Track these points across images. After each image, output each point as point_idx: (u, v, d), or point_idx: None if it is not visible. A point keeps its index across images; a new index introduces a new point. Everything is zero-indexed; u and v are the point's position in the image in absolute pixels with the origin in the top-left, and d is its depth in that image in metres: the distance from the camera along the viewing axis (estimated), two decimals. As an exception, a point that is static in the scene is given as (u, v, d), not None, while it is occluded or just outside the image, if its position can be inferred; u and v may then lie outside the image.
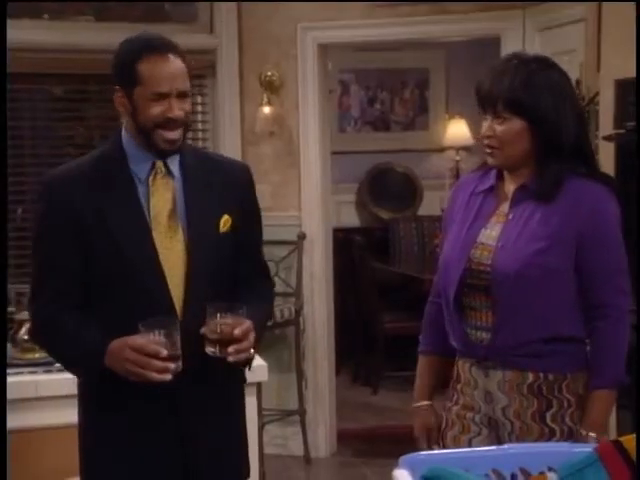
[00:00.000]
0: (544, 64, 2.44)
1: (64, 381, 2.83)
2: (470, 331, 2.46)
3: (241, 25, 5.21)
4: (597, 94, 3.83)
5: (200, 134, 5.29)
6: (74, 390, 2.43)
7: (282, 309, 5.09)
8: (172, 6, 5.31)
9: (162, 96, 2.23)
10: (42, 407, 3.13)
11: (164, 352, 2.14)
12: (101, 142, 4.93)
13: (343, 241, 6.51)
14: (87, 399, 2.37)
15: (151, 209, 2.29)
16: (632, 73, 3.35)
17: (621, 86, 3.54)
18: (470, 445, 2.45)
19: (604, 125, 3.70)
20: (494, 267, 2.40)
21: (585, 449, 1.67)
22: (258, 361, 2.93)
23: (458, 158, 7.65)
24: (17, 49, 4.02)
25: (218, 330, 2.21)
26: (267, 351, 4.39)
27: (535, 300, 2.37)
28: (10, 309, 3.36)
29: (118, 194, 2.29)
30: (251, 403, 2.73)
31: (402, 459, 1.65)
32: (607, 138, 3.61)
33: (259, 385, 3.56)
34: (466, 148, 7.60)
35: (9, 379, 2.95)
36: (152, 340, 2.15)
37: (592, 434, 2.33)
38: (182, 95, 2.26)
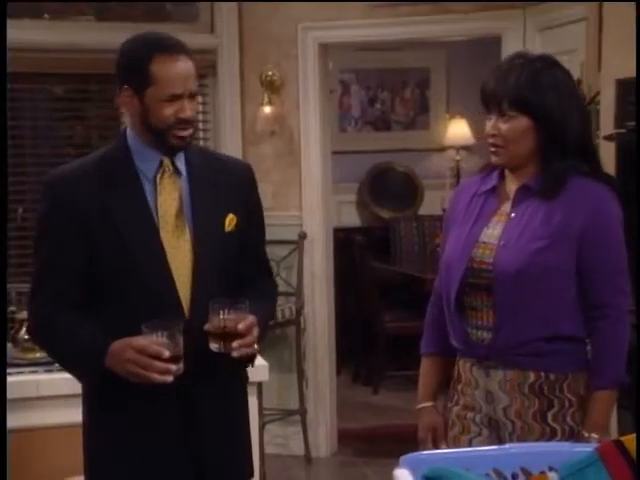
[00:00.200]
0: (549, 63, 2.46)
1: (65, 381, 2.83)
2: (471, 331, 2.46)
3: (242, 25, 5.21)
4: (598, 94, 3.83)
5: (201, 134, 5.27)
6: (75, 390, 2.43)
7: (283, 309, 5.08)
8: (173, 6, 5.32)
9: (176, 97, 2.22)
10: (43, 407, 3.13)
11: (166, 353, 2.14)
12: (100, 142, 5.01)
13: (344, 241, 6.50)
14: (91, 398, 2.37)
15: (159, 208, 2.28)
16: (633, 73, 3.35)
17: (622, 86, 3.53)
18: (470, 445, 2.45)
19: (605, 125, 3.70)
20: (496, 265, 2.40)
21: (586, 449, 1.67)
22: (259, 360, 2.92)
23: (459, 158, 7.65)
24: (18, 49, 4.01)
25: (222, 325, 2.20)
26: (268, 351, 4.38)
27: (536, 299, 2.37)
28: (11, 308, 3.36)
29: (124, 192, 2.27)
30: (252, 403, 2.72)
31: (403, 459, 1.65)
32: (608, 138, 3.61)
33: (260, 385, 3.55)
34: (467, 148, 7.61)
35: (10, 379, 2.95)
36: (154, 341, 2.14)
37: (595, 435, 2.33)
38: (193, 95, 2.26)
